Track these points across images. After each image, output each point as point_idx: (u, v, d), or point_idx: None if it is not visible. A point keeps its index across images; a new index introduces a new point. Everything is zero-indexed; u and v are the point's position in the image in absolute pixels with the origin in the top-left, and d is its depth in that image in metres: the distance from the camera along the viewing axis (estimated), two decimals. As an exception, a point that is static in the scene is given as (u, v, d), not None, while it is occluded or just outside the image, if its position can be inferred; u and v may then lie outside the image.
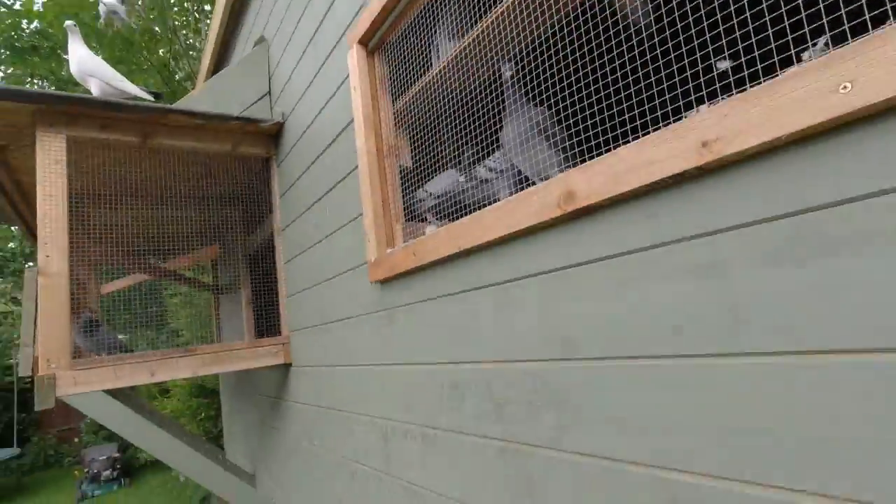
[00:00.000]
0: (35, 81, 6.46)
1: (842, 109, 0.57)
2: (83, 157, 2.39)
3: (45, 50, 5.30)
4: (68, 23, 2.37)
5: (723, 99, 0.72)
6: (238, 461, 3.91)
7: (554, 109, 1.26)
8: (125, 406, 2.53)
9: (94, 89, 2.33)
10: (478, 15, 1.38)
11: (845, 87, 0.57)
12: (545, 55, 1.18)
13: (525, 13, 1.17)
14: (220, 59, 3.75)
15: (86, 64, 2.26)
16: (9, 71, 6.00)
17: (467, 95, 1.46)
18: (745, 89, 0.69)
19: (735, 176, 0.70)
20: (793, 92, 0.61)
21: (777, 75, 0.65)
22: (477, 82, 1.46)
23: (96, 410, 2.52)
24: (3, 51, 5.22)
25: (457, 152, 1.63)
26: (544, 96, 1.23)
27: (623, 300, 0.86)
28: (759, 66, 0.71)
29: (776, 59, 0.69)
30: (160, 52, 5.63)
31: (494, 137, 1.39)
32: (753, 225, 0.68)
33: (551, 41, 1.17)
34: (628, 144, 0.82)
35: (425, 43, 1.59)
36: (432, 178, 1.62)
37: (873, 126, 0.57)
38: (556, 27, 1.15)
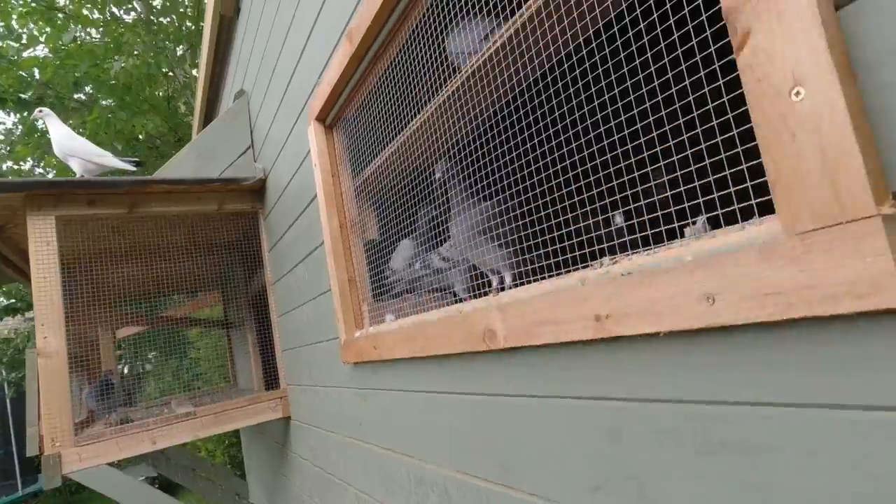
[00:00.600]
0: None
1: (706, 321, 0.55)
2: (75, 229, 2.47)
3: (52, 99, 5.46)
4: (37, 112, 2.45)
5: (624, 255, 0.70)
6: (258, 497, 4.01)
7: (495, 202, 1.24)
8: (126, 475, 2.63)
9: (76, 167, 2.40)
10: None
11: (710, 300, 0.54)
12: (478, 153, 1.17)
13: (466, 102, 1.15)
14: (211, 102, 3.80)
15: (64, 145, 2.34)
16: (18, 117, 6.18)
17: (421, 170, 1.45)
18: (639, 251, 0.67)
19: (627, 353, 0.68)
20: (667, 289, 0.59)
21: (662, 245, 0.63)
22: (428, 160, 1.45)
23: (98, 483, 2.62)
24: (10, 103, 5.40)
25: (416, 223, 1.63)
26: (484, 193, 1.21)
27: (548, 444, 0.85)
28: (649, 232, 0.69)
29: (663, 228, 0.66)
30: (160, 91, 5.74)
31: (449, 215, 1.38)
32: (645, 402, 0.67)
33: (482, 139, 1.16)
34: (540, 294, 0.81)
35: (379, 116, 1.58)
36: (396, 250, 1.62)
37: (740, 338, 0.55)
38: (484, 127, 1.13)
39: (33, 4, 5.39)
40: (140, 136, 5.09)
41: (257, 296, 3.45)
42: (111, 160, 2.44)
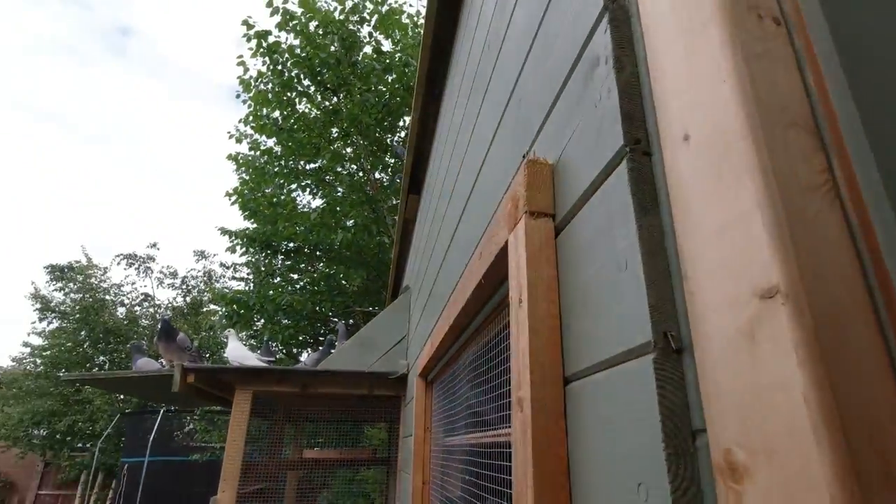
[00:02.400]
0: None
1: None
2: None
3: (306, 249, 7.19)
4: (228, 330, 3.48)
5: None
6: None
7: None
8: None
9: (234, 363, 3.32)
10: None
11: None
12: None
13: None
14: (395, 289, 4.57)
15: (229, 354, 3.32)
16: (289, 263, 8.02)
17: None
18: None
19: None
20: None
21: None
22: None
23: None
24: (279, 254, 7.31)
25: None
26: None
27: None
28: None
29: None
30: (372, 245, 7.05)
31: None
32: None
33: None
34: None
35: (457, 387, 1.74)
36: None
37: None
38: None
39: (307, 181, 7.47)
40: (348, 287, 6.33)
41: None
42: (255, 361, 3.32)
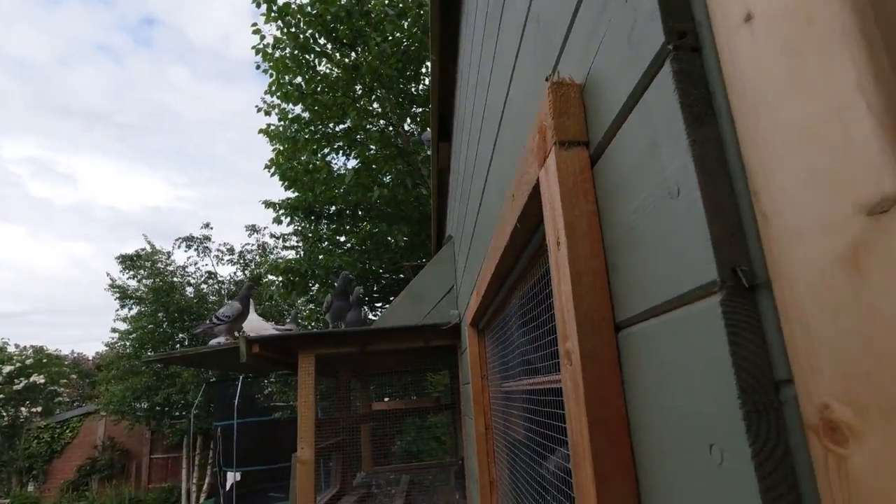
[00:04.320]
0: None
1: None
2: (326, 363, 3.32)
3: (347, 210, 7.27)
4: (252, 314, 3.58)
5: None
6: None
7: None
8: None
9: (253, 334, 3.39)
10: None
11: None
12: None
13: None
14: (439, 237, 4.54)
15: (250, 324, 3.50)
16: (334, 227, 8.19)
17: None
18: None
19: None
20: None
21: None
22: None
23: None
24: (323, 219, 7.43)
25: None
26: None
27: None
28: None
29: None
30: (411, 199, 7.02)
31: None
32: None
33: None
34: None
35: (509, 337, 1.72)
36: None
37: None
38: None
39: (338, 143, 7.44)
40: (393, 243, 6.41)
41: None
42: (271, 331, 3.44)
